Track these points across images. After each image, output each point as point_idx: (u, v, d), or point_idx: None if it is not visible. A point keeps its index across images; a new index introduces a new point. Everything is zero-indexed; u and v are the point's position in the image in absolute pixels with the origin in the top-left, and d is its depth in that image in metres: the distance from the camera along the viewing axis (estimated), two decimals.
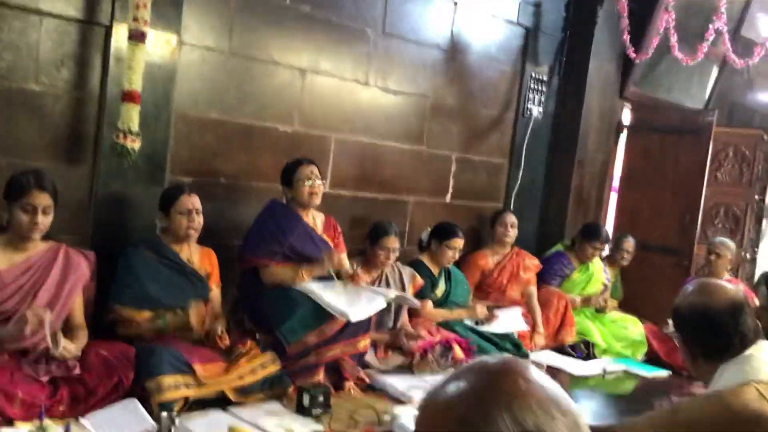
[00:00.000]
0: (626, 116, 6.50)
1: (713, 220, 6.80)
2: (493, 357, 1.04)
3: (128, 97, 3.30)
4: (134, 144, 3.32)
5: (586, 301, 5.32)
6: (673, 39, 5.57)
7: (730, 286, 2.22)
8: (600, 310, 5.34)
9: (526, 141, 5.55)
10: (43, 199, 2.92)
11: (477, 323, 4.67)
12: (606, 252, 5.74)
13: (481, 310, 4.66)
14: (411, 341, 4.08)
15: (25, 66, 3.22)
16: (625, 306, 5.78)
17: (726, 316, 2.07)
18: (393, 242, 4.20)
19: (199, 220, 3.45)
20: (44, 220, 2.93)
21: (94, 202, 3.47)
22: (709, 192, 6.20)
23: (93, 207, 3.47)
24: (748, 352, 2.06)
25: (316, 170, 3.85)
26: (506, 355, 1.05)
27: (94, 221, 3.48)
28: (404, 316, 4.26)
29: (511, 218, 5.17)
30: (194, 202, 3.44)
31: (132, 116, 3.31)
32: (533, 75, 5.56)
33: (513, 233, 5.14)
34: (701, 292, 2.16)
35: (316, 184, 3.82)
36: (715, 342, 2.09)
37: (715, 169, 6.59)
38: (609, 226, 6.48)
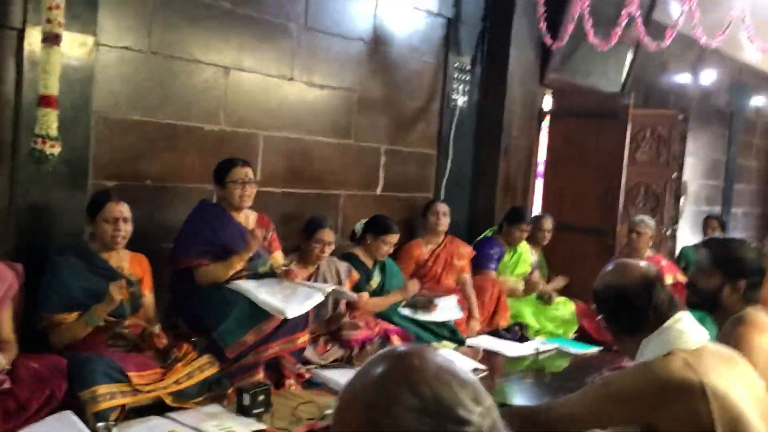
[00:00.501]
0: (547, 102, 6.65)
1: (634, 199, 7.02)
2: (399, 346, 1.13)
3: (45, 101, 3.19)
4: (53, 149, 3.21)
5: (527, 291, 5.51)
6: (588, 25, 5.71)
7: (643, 263, 2.33)
8: (546, 301, 5.48)
9: (452, 131, 5.63)
10: None
11: (415, 310, 4.71)
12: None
13: (412, 287, 4.69)
14: (350, 331, 4.10)
15: None
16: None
17: (639, 292, 2.17)
18: (328, 235, 4.20)
19: (126, 229, 3.36)
20: None
21: (15, 210, 3.35)
22: (630, 172, 6.40)
23: (14, 215, 3.35)
24: (667, 324, 2.15)
25: (250, 173, 3.82)
26: (412, 344, 1.14)
27: (15, 230, 3.36)
28: (342, 309, 4.27)
29: (443, 207, 5.24)
30: (122, 210, 3.34)
31: (49, 121, 3.20)
32: (456, 65, 5.63)
33: (445, 222, 5.21)
34: (615, 272, 2.27)
35: (248, 187, 3.78)
36: (631, 318, 2.19)
37: (634, 150, 6.79)
38: (536, 211, 6.64)
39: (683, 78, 8.69)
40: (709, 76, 9.06)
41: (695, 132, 8.14)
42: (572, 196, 6.35)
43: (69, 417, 2.84)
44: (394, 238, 4.66)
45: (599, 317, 2.33)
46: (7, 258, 3.20)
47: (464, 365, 2.76)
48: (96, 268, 3.34)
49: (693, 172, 8.82)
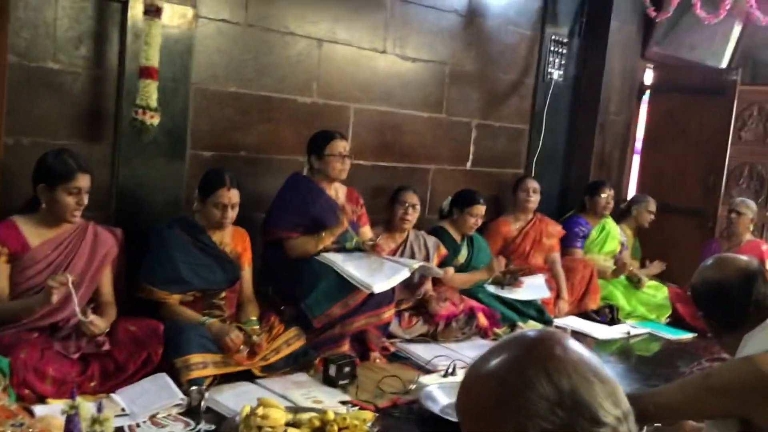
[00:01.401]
0: (648, 77, 6.40)
1: (737, 180, 6.69)
2: (532, 329, 1.09)
3: (146, 72, 3.29)
4: (153, 120, 3.31)
5: (617, 272, 5.31)
6: None
7: (743, 257, 2.27)
8: (635, 284, 5.32)
9: (546, 105, 5.49)
10: (87, 181, 2.97)
11: (500, 286, 4.66)
12: (610, 207, 5.63)
13: (497, 265, 4.62)
14: (439, 303, 4.10)
15: (43, 44, 3.21)
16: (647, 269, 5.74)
17: (739, 287, 2.12)
18: (411, 197, 4.22)
19: (233, 214, 3.39)
20: (85, 201, 2.96)
21: (116, 179, 3.47)
22: (733, 152, 6.11)
23: (115, 184, 3.47)
24: None
25: (347, 146, 3.84)
26: (545, 327, 1.10)
27: (116, 198, 3.49)
28: (428, 285, 4.26)
29: (533, 184, 5.13)
30: (232, 197, 3.36)
31: (150, 92, 3.29)
32: (553, 37, 5.47)
33: (535, 199, 5.11)
34: (714, 266, 2.22)
35: (346, 160, 3.81)
36: (732, 313, 2.14)
37: (738, 128, 6.46)
38: (632, 189, 6.43)
39: None
40: None
41: None
42: (671, 176, 6.11)
43: (164, 379, 2.95)
44: (480, 209, 4.61)
45: (699, 314, 2.26)
46: (108, 223, 3.33)
47: None
48: (200, 243, 3.41)
49: None
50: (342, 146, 3.81)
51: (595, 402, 0.95)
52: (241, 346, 3.21)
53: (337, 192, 3.94)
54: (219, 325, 3.24)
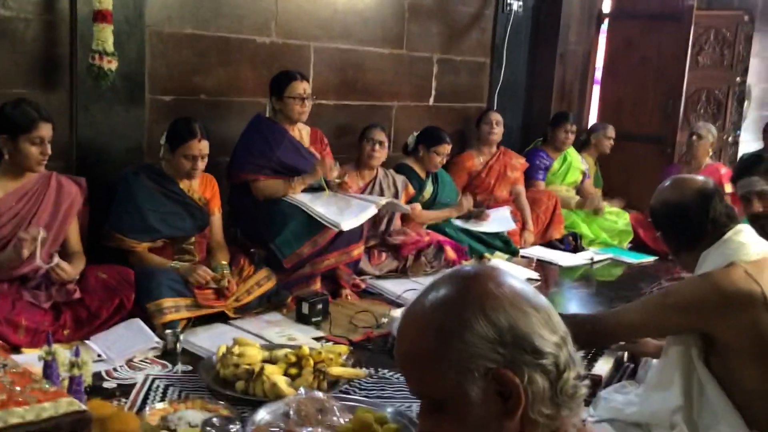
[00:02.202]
0: (607, 5, 6.40)
1: (695, 105, 6.79)
2: (467, 265, 1.08)
3: (99, 16, 3.20)
4: (111, 65, 3.24)
5: (581, 205, 5.42)
6: None
7: (700, 177, 2.31)
8: (596, 212, 5.41)
9: (506, 37, 5.47)
10: (49, 130, 2.92)
11: (468, 219, 4.74)
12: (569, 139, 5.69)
13: (467, 203, 4.72)
14: (397, 236, 4.17)
15: None
16: (609, 196, 5.86)
17: (696, 205, 2.16)
18: (378, 134, 4.25)
19: (203, 165, 3.35)
20: (48, 151, 2.91)
21: (75, 127, 3.41)
22: (691, 77, 6.18)
23: (74, 133, 3.41)
24: (727, 236, 2.13)
25: (308, 87, 3.81)
26: (479, 263, 1.11)
27: (76, 147, 3.43)
28: (396, 222, 4.30)
29: (496, 116, 5.16)
30: (203, 148, 3.31)
31: (105, 36, 3.21)
32: None
33: (498, 131, 5.15)
34: (671, 187, 2.26)
35: (306, 102, 3.78)
36: (690, 231, 2.18)
37: (696, 53, 6.52)
38: (592, 118, 6.49)
39: None
40: None
41: (761, 33, 7.74)
42: (631, 104, 6.19)
43: (138, 324, 2.98)
44: (446, 148, 4.64)
45: (657, 234, 2.32)
46: (70, 173, 3.28)
47: (518, 274, 2.62)
48: (168, 191, 3.38)
49: (758, 75, 8.42)
50: (302, 88, 3.77)
51: (534, 333, 0.96)
52: (210, 281, 3.22)
53: (301, 133, 3.93)
54: (187, 265, 3.27)
